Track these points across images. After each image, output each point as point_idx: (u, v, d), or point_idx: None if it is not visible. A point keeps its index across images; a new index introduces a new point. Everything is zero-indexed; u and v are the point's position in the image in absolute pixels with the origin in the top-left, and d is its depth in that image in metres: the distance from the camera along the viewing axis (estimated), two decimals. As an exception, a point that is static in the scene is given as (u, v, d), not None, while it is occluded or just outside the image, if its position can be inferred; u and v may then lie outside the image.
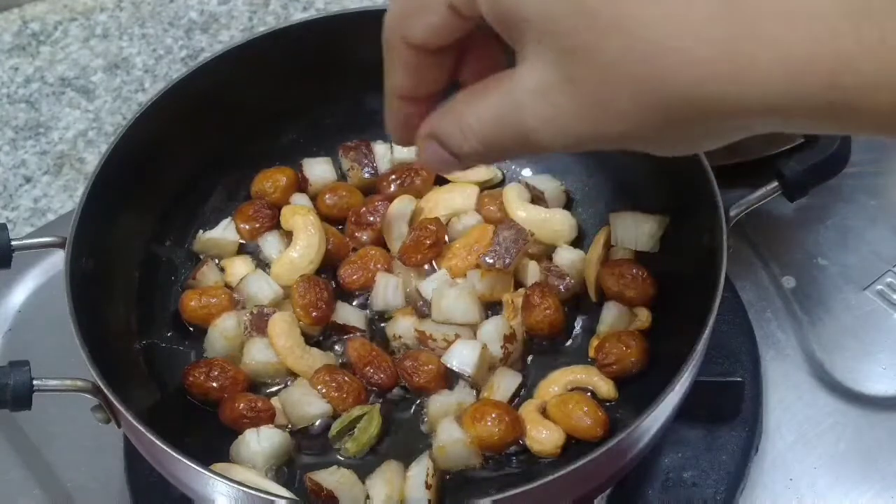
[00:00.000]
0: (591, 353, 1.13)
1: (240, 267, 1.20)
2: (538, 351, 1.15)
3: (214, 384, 1.10)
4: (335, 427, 1.08)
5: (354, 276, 1.18)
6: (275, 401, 1.11)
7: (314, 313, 1.13)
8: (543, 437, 1.06)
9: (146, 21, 1.61)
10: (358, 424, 1.08)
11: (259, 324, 1.14)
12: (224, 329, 1.14)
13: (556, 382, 1.11)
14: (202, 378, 1.10)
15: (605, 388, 1.10)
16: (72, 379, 0.97)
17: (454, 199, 1.24)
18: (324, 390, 1.09)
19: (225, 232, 1.22)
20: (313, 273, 1.17)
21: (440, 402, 1.09)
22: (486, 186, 1.26)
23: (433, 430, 1.07)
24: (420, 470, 1.03)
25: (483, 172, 1.26)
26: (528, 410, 1.08)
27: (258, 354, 1.13)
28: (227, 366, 1.12)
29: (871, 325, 1.24)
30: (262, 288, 1.17)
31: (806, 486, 1.13)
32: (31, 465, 1.18)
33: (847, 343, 1.23)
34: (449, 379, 1.11)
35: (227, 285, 1.19)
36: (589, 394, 1.10)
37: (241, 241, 1.22)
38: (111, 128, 1.49)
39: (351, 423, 1.08)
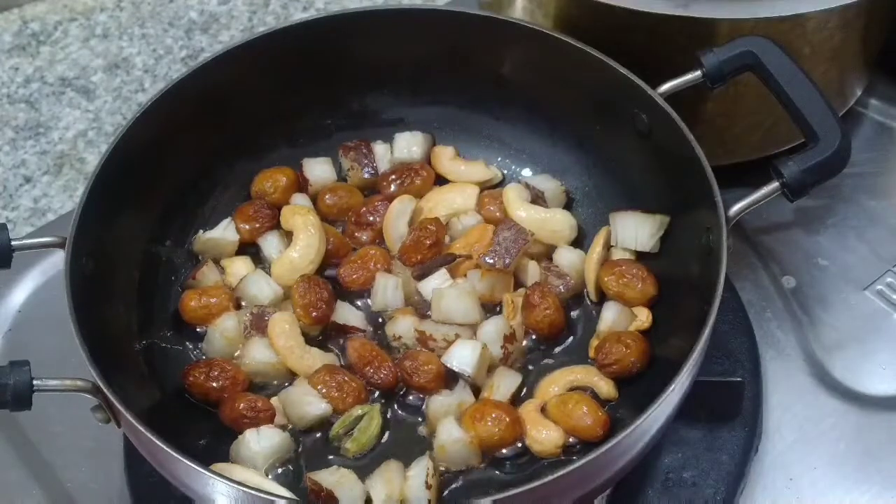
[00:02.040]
0: (591, 353, 1.13)
1: (240, 267, 1.20)
2: (538, 351, 1.15)
3: (214, 384, 1.10)
4: (336, 427, 1.08)
5: (354, 276, 1.18)
6: (275, 401, 1.11)
7: (314, 313, 1.13)
8: (543, 436, 1.06)
9: (146, 21, 1.61)
10: (358, 424, 1.08)
11: (259, 324, 1.14)
12: (224, 329, 1.14)
13: (556, 382, 1.11)
14: (202, 378, 1.10)
15: (605, 387, 1.10)
16: (72, 379, 0.97)
17: (454, 199, 1.24)
18: (324, 390, 1.09)
19: (225, 232, 1.22)
20: (313, 273, 1.17)
21: (440, 402, 1.09)
22: (486, 186, 1.26)
23: (433, 430, 1.07)
24: (420, 470, 1.03)
25: (483, 172, 1.26)
26: (528, 410, 1.08)
27: (258, 354, 1.13)
28: (227, 366, 1.12)
29: (871, 325, 1.24)
30: (262, 288, 1.17)
31: (806, 486, 1.13)
32: (31, 465, 1.18)
33: (847, 343, 1.23)
34: (449, 379, 1.11)
35: (227, 285, 1.19)
36: (589, 393, 1.10)
37: (241, 241, 1.22)
38: (111, 128, 1.49)
39: (351, 423, 1.08)
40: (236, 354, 1.14)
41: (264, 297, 1.16)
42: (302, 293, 1.13)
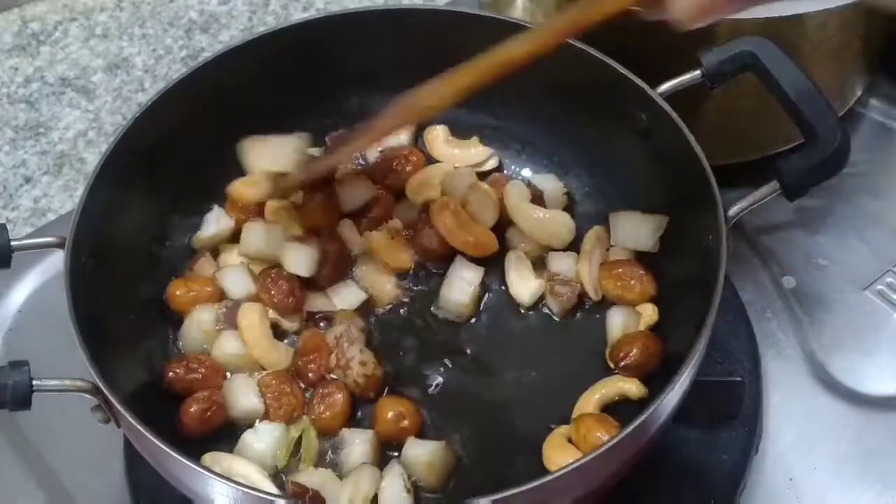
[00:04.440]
0: (608, 359, 1.12)
1: (232, 258, 1.20)
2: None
3: (196, 376, 1.10)
4: (282, 458, 1.07)
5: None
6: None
7: (284, 305, 1.14)
8: (563, 462, 1.03)
9: (146, 21, 1.61)
10: (300, 445, 1.07)
11: (232, 317, 1.14)
12: (200, 321, 1.14)
13: (585, 407, 1.08)
14: (182, 372, 1.11)
15: (634, 388, 1.08)
16: (72, 379, 0.97)
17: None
18: (266, 392, 1.09)
19: (219, 223, 1.22)
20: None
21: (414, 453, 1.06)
22: (480, 171, 1.26)
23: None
24: (396, 472, 1.03)
25: (480, 154, 1.27)
26: (555, 437, 1.07)
27: (228, 347, 1.13)
28: (203, 358, 1.12)
29: (871, 325, 1.24)
30: (236, 283, 1.17)
31: (806, 486, 1.13)
32: (31, 465, 1.18)
33: (847, 343, 1.23)
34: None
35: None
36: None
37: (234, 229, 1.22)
38: (111, 128, 1.49)
39: (293, 447, 1.07)
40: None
41: (237, 291, 1.16)
42: (268, 288, 1.14)
